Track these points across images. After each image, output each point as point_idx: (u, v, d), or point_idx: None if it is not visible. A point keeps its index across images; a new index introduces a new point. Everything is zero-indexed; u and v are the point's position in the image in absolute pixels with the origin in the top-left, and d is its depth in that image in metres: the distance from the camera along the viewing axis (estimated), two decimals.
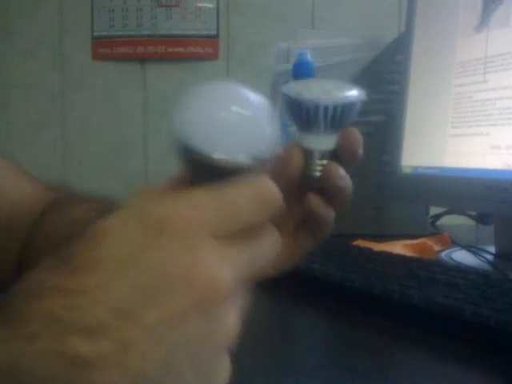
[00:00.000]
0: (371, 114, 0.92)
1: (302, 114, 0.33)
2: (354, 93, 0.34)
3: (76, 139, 1.50)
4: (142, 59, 1.48)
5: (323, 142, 0.34)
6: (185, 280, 0.23)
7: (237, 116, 0.26)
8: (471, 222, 1.06)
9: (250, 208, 0.26)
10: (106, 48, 1.49)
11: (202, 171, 0.26)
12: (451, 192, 0.71)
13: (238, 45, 1.46)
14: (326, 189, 0.35)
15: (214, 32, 1.46)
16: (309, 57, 0.84)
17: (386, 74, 0.92)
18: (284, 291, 0.50)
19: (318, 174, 0.35)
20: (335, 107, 0.33)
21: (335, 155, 0.35)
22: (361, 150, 0.35)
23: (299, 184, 0.35)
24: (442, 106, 0.74)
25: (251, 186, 0.26)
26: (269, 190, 0.27)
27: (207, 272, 0.24)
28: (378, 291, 0.48)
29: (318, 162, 0.35)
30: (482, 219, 1.00)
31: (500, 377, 0.35)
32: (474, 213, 1.04)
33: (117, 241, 0.24)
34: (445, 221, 1.07)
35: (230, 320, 0.25)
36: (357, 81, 0.94)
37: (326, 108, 0.33)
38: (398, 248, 0.72)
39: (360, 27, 1.36)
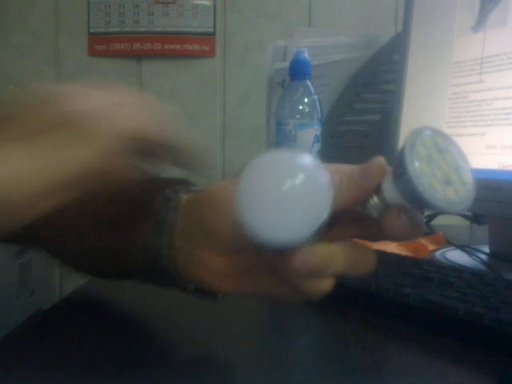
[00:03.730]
0: (368, 113, 0.93)
1: (403, 178, 0.29)
2: (463, 204, 0.30)
3: None
4: (139, 56, 1.48)
5: (396, 198, 0.31)
6: None
7: (292, 194, 0.27)
8: (466, 222, 1.07)
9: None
10: (102, 44, 1.48)
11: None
12: None
13: (234, 42, 1.46)
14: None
15: (211, 29, 1.46)
16: (306, 55, 0.84)
17: (383, 73, 0.93)
18: None
19: (374, 211, 0.32)
20: (429, 203, 0.29)
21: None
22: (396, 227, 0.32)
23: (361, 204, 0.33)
24: (439, 105, 0.74)
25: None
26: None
27: None
28: (372, 289, 0.48)
29: (378, 202, 0.32)
30: (476, 219, 1.00)
31: (493, 375, 0.35)
32: (468, 213, 1.04)
33: None
34: (439, 221, 1.07)
35: None
36: (353, 80, 0.94)
37: (421, 196, 0.29)
38: (393, 247, 0.72)
39: (357, 26, 1.37)
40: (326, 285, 0.34)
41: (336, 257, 0.33)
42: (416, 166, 0.29)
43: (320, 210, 0.28)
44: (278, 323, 0.47)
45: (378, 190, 0.31)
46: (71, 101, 0.33)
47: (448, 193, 0.29)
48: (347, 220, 0.34)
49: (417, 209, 0.31)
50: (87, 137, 0.32)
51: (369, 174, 0.32)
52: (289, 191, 0.27)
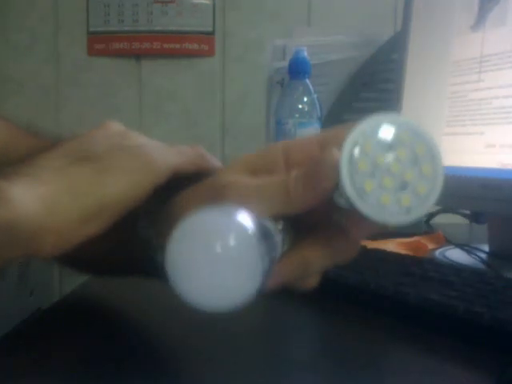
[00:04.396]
0: (367, 112, 0.93)
1: (347, 201, 0.26)
2: (428, 201, 0.27)
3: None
4: (138, 55, 1.48)
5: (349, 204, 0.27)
6: None
7: (219, 259, 0.25)
8: (465, 221, 1.07)
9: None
10: (101, 44, 1.48)
11: None
12: (445, 190, 0.71)
13: (233, 41, 1.46)
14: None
15: (210, 28, 1.46)
16: (305, 54, 0.84)
17: (382, 72, 0.93)
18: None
19: (340, 203, 0.28)
20: (383, 224, 0.26)
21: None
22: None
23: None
24: (438, 104, 0.74)
25: None
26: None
27: None
28: (372, 288, 0.48)
29: (340, 196, 0.28)
30: (475, 218, 1.00)
31: (493, 374, 0.35)
32: (467, 211, 1.04)
33: None
34: (439, 219, 1.07)
35: None
36: (353, 79, 0.94)
37: (371, 220, 0.26)
38: (392, 246, 0.73)
39: (356, 25, 1.37)
40: (311, 281, 0.33)
41: (311, 258, 0.31)
42: (356, 191, 0.26)
43: (253, 274, 0.25)
44: (277, 322, 0.47)
45: (338, 185, 0.27)
46: (124, 136, 0.38)
47: (404, 202, 0.26)
48: (324, 212, 0.31)
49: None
50: (140, 166, 0.34)
51: (323, 174, 0.28)
52: (215, 256, 0.25)
